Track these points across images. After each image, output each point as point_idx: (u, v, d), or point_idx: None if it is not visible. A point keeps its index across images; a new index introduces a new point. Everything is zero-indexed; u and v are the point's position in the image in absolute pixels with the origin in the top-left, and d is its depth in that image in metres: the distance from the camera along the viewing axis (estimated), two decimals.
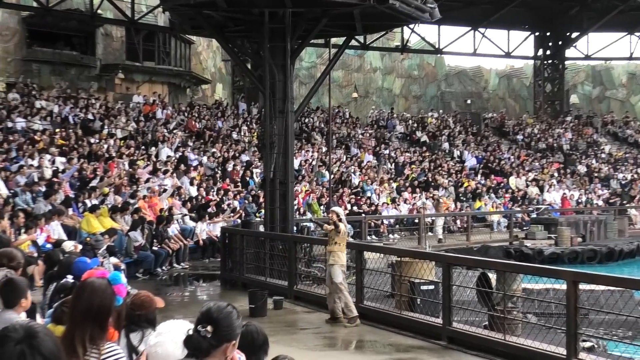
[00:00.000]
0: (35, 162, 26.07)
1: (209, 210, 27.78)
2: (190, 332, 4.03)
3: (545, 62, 56.79)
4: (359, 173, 38.96)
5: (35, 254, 16.93)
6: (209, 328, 4.00)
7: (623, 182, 46.06)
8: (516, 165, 46.81)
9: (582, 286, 11.61)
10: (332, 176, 30.22)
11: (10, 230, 17.28)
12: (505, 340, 11.83)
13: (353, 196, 34.75)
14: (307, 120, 46.19)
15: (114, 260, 17.90)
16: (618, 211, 39.73)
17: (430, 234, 32.52)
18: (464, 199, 39.81)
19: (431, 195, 37.65)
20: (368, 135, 47.38)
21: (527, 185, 43.50)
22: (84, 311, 4.35)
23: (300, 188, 32.85)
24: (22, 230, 18.15)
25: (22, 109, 32.42)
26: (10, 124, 30.21)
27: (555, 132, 53.87)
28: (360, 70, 59.57)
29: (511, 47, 55.37)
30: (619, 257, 31.69)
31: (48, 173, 25.51)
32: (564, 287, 11.02)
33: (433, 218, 34.15)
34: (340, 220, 14.99)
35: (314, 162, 38.73)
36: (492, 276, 13.03)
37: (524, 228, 36.29)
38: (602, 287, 15.15)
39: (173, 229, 24.75)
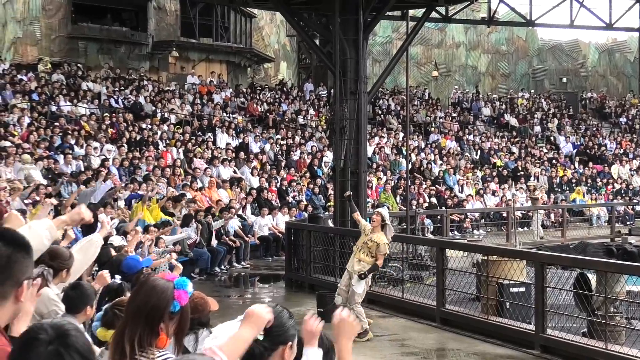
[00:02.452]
0: (81, 151, 26.47)
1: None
2: None
3: None
4: (439, 162, 38.79)
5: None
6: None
7: None
8: (619, 152, 46.14)
9: None
10: (409, 165, 30.09)
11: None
12: (607, 350, 11.68)
13: (433, 187, 34.60)
14: (381, 102, 46.13)
15: (173, 256, 18.14)
16: None
17: (520, 229, 32.25)
18: (559, 190, 39.40)
19: (521, 186, 37.31)
20: (450, 118, 47.13)
21: (632, 175, 42.86)
22: (138, 308, 4.46)
23: (373, 178, 32.83)
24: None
25: (66, 91, 32.93)
26: (54, 108, 30.73)
27: None
28: (441, 46, 59.24)
29: (613, 17, 54.30)
30: None
31: (96, 162, 25.89)
32: None
33: (523, 212, 33.88)
34: (383, 225, 14.41)
35: (389, 150, 38.67)
36: (592, 277, 12.88)
37: (628, 223, 35.81)
38: None
39: (233, 225, 24.91)
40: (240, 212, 26.56)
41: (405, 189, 28.22)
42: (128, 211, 22.77)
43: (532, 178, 39.12)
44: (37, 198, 20.32)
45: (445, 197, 33.86)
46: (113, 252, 12.07)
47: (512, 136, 46.82)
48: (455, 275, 15.74)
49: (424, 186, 34.25)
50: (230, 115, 37.32)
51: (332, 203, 25.56)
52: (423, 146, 40.67)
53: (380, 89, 41.02)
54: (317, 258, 20.09)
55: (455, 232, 31.39)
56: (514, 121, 49.07)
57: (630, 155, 45.91)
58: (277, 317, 4.14)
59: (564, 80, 61.07)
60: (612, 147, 47.05)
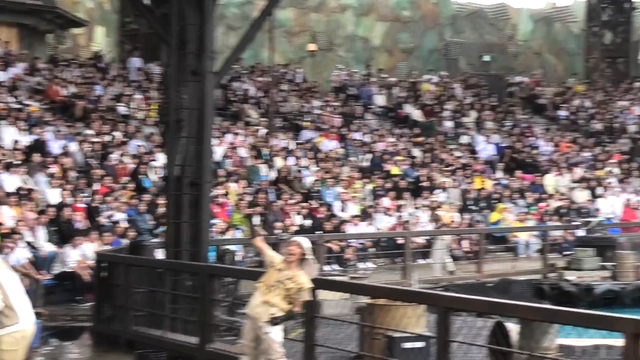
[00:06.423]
0: None
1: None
2: None
3: None
4: (314, 168, 38.89)
5: None
6: None
7: None
8: (556, 158, 46.97)
9: None
10: (272, 173, 30.18)
11: None
12: None
13: (305, 204, 34.70)
14: (236, 86, 46.12)
15: None
16: None
17: (422, 261, 32.53)
18: (475, 207, 39.80)
19: (425, 203, 37.66)
20: (330, 109, 47.31)
21: (572, 188, 43.62)
22: None
23: (223, 191, 32.77)
24: None
25: None
26: None
27: (617, 106, 54.16)
28: (320, 10, 59.62)
29: None
30: None
31: None
32: (621, 342, 11.03)
33: (427, 237, 34.02)
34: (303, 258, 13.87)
35: (245, 152, 38.64)
36: (513, 327, 13.07)
37: (566, 253, 36.29)
38: None
39: (18, 257, 24.49)
40: (30, 239, 26.19)
41: (266, 206, 28.30)
42: None
43: (438, 192, 39.42)
44: None
45: (322, 217, 33.98)
46: None
47: (414, 134, 47.15)
48: (331, 326, 15.78)
49: (292, 202, 34.27)
50: (21, 101, 36.74)
51: (162, 226, 25.37)
52: (292, 147, 40.70)
53: (236, 67, 41.02)
54: (140, 303, 19.94)
55: (334, 266, 31.49)
56: (417, 114, 49.48)
57: (572, 161, 46.68)
58: None
59: (487, 58, 62.01)
60: (547, 150, 47.86)
